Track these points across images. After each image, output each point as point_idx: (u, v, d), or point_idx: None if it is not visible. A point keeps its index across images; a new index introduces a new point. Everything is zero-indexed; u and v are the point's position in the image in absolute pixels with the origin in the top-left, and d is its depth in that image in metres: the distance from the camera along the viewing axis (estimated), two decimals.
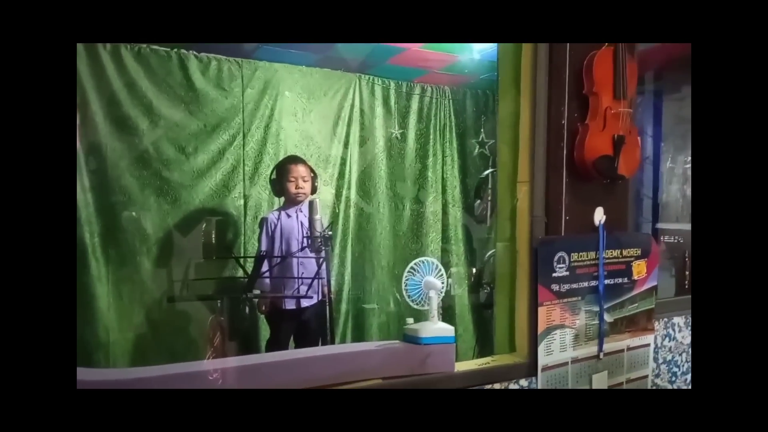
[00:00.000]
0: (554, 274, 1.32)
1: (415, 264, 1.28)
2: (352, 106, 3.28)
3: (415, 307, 1.26)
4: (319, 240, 2.04)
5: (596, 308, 1.39)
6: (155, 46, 2.73)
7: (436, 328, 1.21)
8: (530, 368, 1.30)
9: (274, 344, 2.48)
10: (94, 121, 2.56)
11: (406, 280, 1.26)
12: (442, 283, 1.27)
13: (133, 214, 2.67)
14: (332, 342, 2.27)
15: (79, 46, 2.50)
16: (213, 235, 2.81)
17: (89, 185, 2.56)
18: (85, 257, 2.51)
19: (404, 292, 1.26)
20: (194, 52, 2.83)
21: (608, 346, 1.40)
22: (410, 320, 1.25)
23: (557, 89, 1.36)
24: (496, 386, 1.25)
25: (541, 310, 1.30)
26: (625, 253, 1.44)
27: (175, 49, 2.78)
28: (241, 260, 2.07)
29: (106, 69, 2.59)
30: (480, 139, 3.69)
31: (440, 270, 1.28)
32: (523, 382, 1.29)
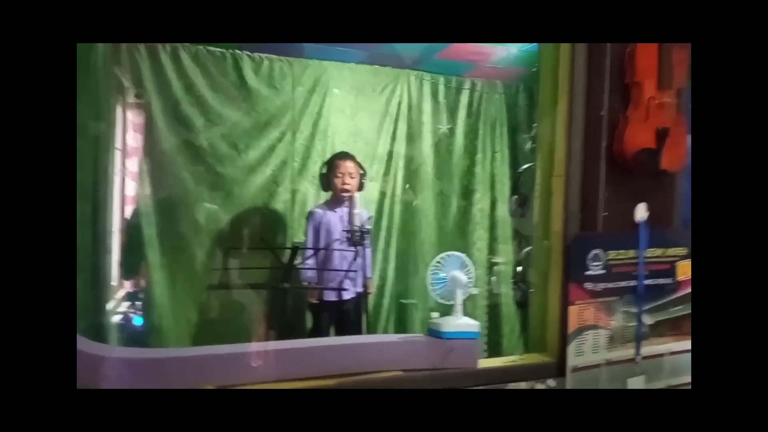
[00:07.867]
0: (588, 272, 1.27)
1: (440, 258, 1.27)
2: (400, 102, 3.27)
3: (441, 301, 1.26)
4: (358, 234, 2.07)
5: (635, 309, 1.32)
6: (211, 47, 2.85)
7: (459, 323, 1.20)
8: (559, 369, 1.26)
9: (316, 334, 2.54)
10: (154, 120, 2.72)
11: (432, 274, 1.26)
12: (469, 278, 1.26)
13: (209, 206, 2.80)
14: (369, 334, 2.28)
15: (141, 48, 2.66)
16: (261, 228, 2.91)
17: (149, 180, 2.71)
18: (142, 247, 2.66)
19: (429, 287, 1.25)
20: (247, 52, 2.92)
21: (648, 350, 1.32)
22: (435, 314, 1.24)
23: (597, 78, 1.30)
24: (522, 385, 1.22)
25: (573, 309, 1.25)
26: (669, 252, 1.36)
27: (230, 50, 2.89)
28: (279, 252, 2.13)
29: (166, 69, 2.74)
30: (532, 134, 3.58)
31: (467, 265, 1.27)
32: (551, 383, 1.25)
